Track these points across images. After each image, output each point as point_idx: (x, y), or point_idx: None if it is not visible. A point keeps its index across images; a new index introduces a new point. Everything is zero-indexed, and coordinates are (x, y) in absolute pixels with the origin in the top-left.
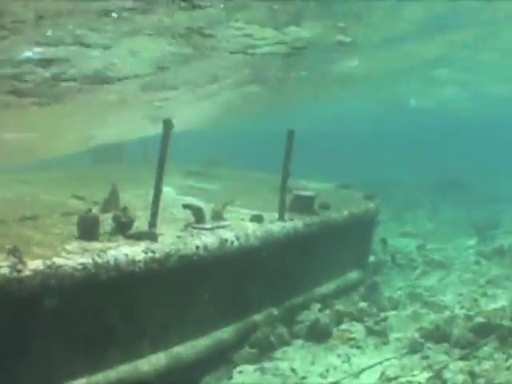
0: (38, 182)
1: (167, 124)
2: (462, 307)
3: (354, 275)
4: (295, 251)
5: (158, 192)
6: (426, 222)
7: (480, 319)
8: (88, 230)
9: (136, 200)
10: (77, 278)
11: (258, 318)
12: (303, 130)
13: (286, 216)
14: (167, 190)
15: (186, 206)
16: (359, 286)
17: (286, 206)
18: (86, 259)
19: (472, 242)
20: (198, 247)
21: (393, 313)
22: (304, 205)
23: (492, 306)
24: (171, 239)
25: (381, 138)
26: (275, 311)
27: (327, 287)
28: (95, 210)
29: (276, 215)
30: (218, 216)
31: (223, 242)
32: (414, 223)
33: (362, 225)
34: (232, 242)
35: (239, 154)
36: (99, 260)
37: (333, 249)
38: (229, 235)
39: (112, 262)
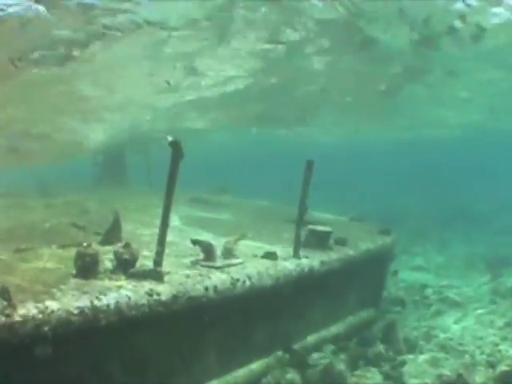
0: (36, 208)
1: (177, 147)
2: (482, 352)
3: (368, 313)
4: (309, 290)
5: (164, 227)
6: (437, 256)
7: (504, 367)
8: (86, 267)
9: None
10: (73, 323)
11: (268, 361)
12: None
13: (301, 252)
14: (173, 220)
15: (195, 242)
16: (373, 325)
17: (300, 242)
18: (84, 302)
19: (485, 278)
20: (207, 288)
21: (410, 357)
22: (320, 240)
23: None
24: (178, 279)
25: (389, 169)
26: (286, 354)
27: (340, 326)
28: (95, 243)
29: (289, 250)
30: (229, 253)
31: (234, 281)
32: (424, 257)
33: (378, 261)
34: (244, 282)
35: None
36: (98, 303)
37: (348, 286)
38: (240, 274)
39: (112, 306)
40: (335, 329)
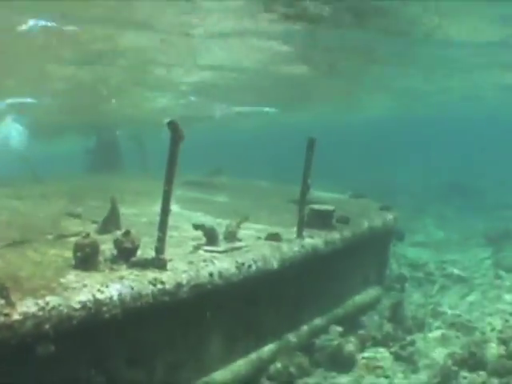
0: (31, 198)
1: (175, 128)
2: (492, 329)
3: (373, 292)
4: (314, 270)
5: (165, 211)
6: (436, 231)
7: None
8: (86, 258)
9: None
10: (75, 319)
11: (275, 346)
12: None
13: (304, 233)
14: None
15: (197, 227)
16: (378, 304)
17: (304, 222)
18: (86, 296)
19: (486, 253)
20: (211, 274)
21: (419, 335)
22: (322, 220)
23: None
24: (181, 266)
25: (386, 143)
26: (294, 338)
27: (347, 307)
28: (93, 233)
29: (292, 231)
30: (231, 236)
31: (239, 266)
32: (424, 232)
33: (381, 239)
34: (249, 266)
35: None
36: (101, 296)
37: (352, 266)
38: (245, 258)
39: (115, 298)
40: (342, 309)
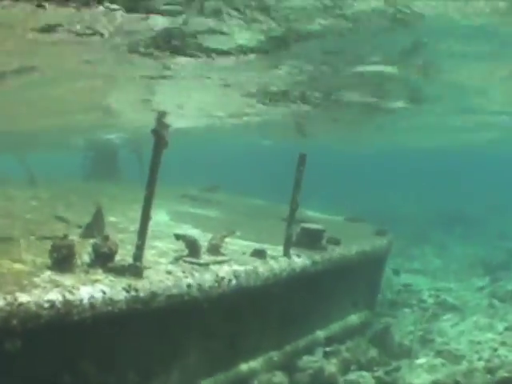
0: (21, 199)
1: (159, 135)
2: (480, 358)
3: (361, 316)
4: (300, 291)
5: (145, 218)
6: (434, 259)
7: (503, 373)
8: (62, 259)
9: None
10: (43, 318)
11: (255, 364)
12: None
13: (292, 251)
14: (160, 215)
15: (178, 237)
16: (367, 329)
17: (292, 240)
18: (55, 295)
19: (483, 282)
20: (189, 286)
21: (405, 362)
22: (312, 239)
23: None
24: (159, 275)
25: (386, 171)
26: (275, 356)
27: (333, 329)
28: (75, 236)
29: (280, 249)
30: (215, 249)
31: (219, 280)
32: (421, 260)
33: (373, 263)
34: (230, 281)
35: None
36: (70, 297)
37: (341, 288)
38: (226, 272)
39: (86, 301)
40: (327, 332)
